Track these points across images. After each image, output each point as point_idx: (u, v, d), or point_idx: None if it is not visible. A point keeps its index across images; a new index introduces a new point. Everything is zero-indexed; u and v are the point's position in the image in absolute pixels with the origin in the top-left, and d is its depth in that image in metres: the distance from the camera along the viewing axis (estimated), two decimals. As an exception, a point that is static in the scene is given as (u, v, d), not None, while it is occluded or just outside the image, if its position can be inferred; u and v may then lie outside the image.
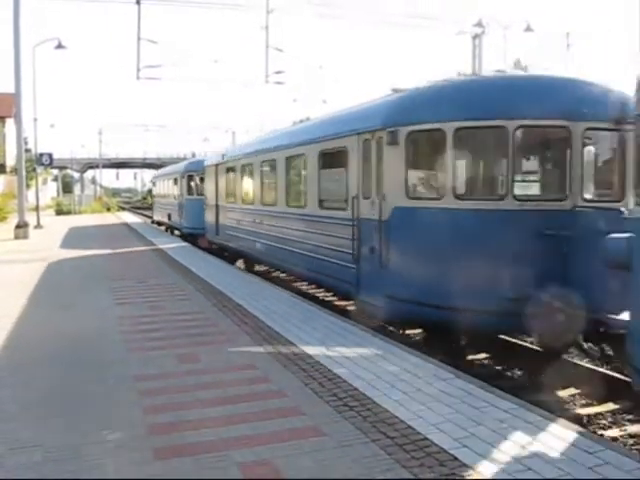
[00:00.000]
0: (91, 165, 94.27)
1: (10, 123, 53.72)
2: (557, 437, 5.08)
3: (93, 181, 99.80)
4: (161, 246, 22.76)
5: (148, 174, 51.68)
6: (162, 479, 4.58)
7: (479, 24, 30.99)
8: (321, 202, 12.50)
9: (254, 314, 10.17)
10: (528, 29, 31.22)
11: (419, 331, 10.71)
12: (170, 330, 9.24)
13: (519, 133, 8.58)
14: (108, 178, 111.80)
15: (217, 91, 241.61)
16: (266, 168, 16.31)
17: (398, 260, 9.50)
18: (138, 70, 26.96)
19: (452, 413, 5.65)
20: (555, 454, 4.76)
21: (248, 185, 18.29)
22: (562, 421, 5.49)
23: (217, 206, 21.70)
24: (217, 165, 21.89)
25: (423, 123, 9.24)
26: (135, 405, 6.06)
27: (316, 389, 6.41)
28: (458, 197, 8.81)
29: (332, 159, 12.07)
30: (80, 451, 5.00)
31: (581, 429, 5.38)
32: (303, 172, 13.75)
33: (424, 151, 9.73)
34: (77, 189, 75.75)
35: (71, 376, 7.04)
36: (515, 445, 4.94)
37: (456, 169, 9.06)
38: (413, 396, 6.12)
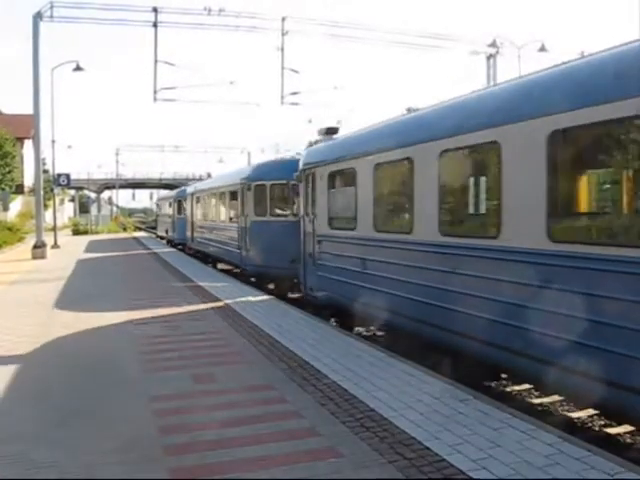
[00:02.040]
0: (108, 185, 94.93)
1: (28, 144, 54.50)
2: (576, 459, 5.02)
3: (110, 201, 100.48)
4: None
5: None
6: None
7: (493, 44, 31.08)
8: (230, 218, 22.72)
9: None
10: (542, 49, 31.21)
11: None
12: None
13: (291, 186, 17.21)
14: (125, 198, 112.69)
15: (233, 112, 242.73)
16: (212, 198, 26.76)
17: (251, 247, 19.14)
18: (155, 92, 27.25)
19: (470, 434, 5.61)
20: (576, 477, 4.71)
21: (205, 208, 28.72)
22: (582, 442, 5.43)
23: (192, 222, 31.65)
24: (192, 194, 32.27)
25: (259, 180, 18.86)
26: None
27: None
28: (272, 215, 18.58)
29: (233, 195, 21.80)
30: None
31: (601, 450, 5.30)
32: (225, 201, 23.76)
33: (260, 194, 18.80)
34: (94, 209, 76.15)
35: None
36: (533, 467, 4.88)
37: (271, 202, 18.63)
38: (430, 417, 6.10)
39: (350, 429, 5.83)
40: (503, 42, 31.52)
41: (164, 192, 62.67)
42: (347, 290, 11.75)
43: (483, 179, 8.85)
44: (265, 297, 14.87)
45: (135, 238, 47.46)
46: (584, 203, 7.13)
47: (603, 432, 7.48)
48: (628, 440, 7.22)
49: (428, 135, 9.16)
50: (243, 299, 14.24)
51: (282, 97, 28.27)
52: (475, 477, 4.73)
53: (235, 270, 22.01)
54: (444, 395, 6.77)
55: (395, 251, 9.97)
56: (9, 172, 43.23)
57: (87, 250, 32.89)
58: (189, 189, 34.33)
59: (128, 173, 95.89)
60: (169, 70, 28.31)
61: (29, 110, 29.44)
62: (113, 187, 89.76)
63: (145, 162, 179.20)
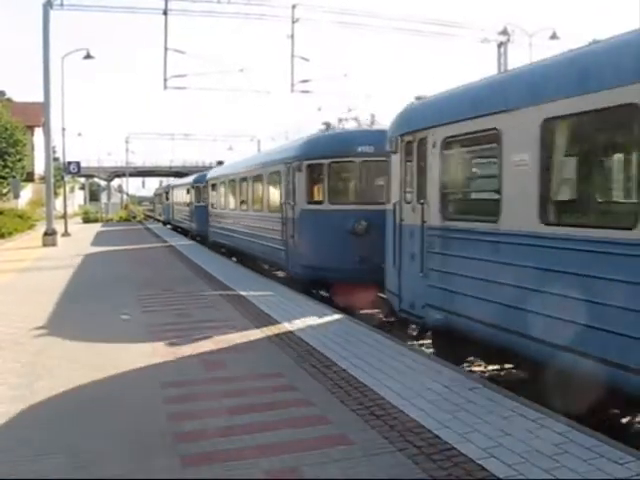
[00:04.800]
0: (118, 173, 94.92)
1: (39, 132, 54.49)
2: (585, 447, 5.03)
3: (120, 189, 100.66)
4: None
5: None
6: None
7: (504, 32, 30.83)
8: (186, 204, 36.38)
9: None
10: (554, 37, 30.94)
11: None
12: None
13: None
14: (135, 186, 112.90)
15: (242, 99, 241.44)
16: (180, 191, 41.05)
17: (194, 220, 33.21)
18: (165, 79, 27.22)
19: (479, 423, 5.63)
20: (584, 465, 4.72)
21: (177, 198, 43.28)
22: (591, 431, 5.43)
23: (172, 207, 46.50)
24: (172, 187, 48.03)
25: (197, 183, 33.40)
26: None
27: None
28: (203, 202, 30.62)
29: (188, 191, 36.25)
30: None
31: (610, 439, 5.31)
32: (184, 194, 37.88)
33: (198, 190, 32.86)
34: (104, 197, 76.43)
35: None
36: (543, 456, 4.89)
37: (204, 195, 31.06)
38: (440, 405, 6.12)
39: (360, 417, 5.86)
40: (514, 30, 31.23)
41: (164, 184, 64.59)
42: (220, 236, 25.22)
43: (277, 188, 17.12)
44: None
45: (139, 221, 62.46)
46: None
47: (614, 421, 7.47)
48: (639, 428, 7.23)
49: (271, 161, 17.86)
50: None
51: (292, 85, 28.20)
52: (485, 465, 4.76)
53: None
54: (454, 383, 6.79)
55: (235, 218, 22.21)
56: (20, 160, 43.21)
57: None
58: (171, 184, 52.02)
59: (138, 161, 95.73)
60: (179, 58, 28.26)
61: (40, 98, 29.52)
62: (123, 175, 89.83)
63: (155, 150, 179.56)
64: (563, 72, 6.92)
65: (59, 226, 31.15)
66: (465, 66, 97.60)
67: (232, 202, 23.33)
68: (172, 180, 66.36)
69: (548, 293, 6.63)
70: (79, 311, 11.75)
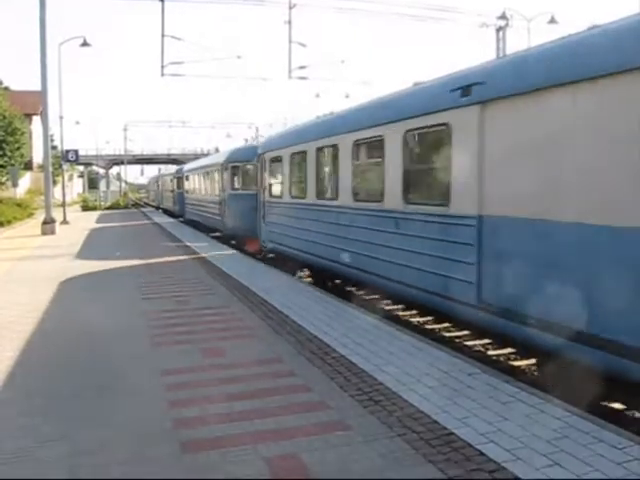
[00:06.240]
0: (116, 161, 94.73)
1: (37, 120, 54.43)
2: (584, 432, 5.03)
3: (118, 177, 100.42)
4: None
5: (173, 170, 56.11)
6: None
7: (503, 16, 30.65)
8: (170, 191, 46.56)
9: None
10: (552, 21, 30.78)
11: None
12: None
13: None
14: (133, 174, 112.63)
15: (240, 86, 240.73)
16: (166, 179, 51.23)
17: (177, 204, 41.79)
18: (162, 67, 27.06)
19: (478, 408, 5.63)
20: (584, 450, 4.72)
21: (164, 186, 53.18)
22: (590, 416, 5.43)
23: (161, 193, 55.59)
24: (161, 177, 57.55)
25: (178, 174, 42.62)
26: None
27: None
28: (180, 188, 41.53)
29: (172, 180, 45.77)
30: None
31: (609, 424, 5.31)
32: (168, 183, 48.73)
33: (179, 180, 41.28)
34: (102, 185, 76.25)
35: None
36: (543, 441, 4.89)
37: (181, 183, 41.09)
38: (438, 390, 6.11)
39: (359, 402, 5.85)
40: (513, 14, 31.07)
41: (174, 167, 64.90)
42: (191, 214, 34.46)
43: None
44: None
45: (135, 206, 67.93)
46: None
47: (609, 407, 7.48)
48: (637, 415, 7.23)
49: (195, 169, 34.55)
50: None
51: (290, 71, 28.03)
52: (483, 450, 4.76)
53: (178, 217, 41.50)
54: (452, 369, 6.79)
55: (197, 200, 32.36)
56: (18, 148, 43.20)
57: (92, 233, 53.71)
58: (161, 174, 61.47)
59: (136, 149, 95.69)
60: (177, 45, 28.28)
61: (37, 86, 29.45)
62: (121, 163, 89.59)
63: (153, 137, 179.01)
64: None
65: (58, 214, 31.09)
66: (465, 51, 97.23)
67: (196, 189, 33.56)
68: (169, 167, 66.81)
69: (297, 228, 14.77)
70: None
